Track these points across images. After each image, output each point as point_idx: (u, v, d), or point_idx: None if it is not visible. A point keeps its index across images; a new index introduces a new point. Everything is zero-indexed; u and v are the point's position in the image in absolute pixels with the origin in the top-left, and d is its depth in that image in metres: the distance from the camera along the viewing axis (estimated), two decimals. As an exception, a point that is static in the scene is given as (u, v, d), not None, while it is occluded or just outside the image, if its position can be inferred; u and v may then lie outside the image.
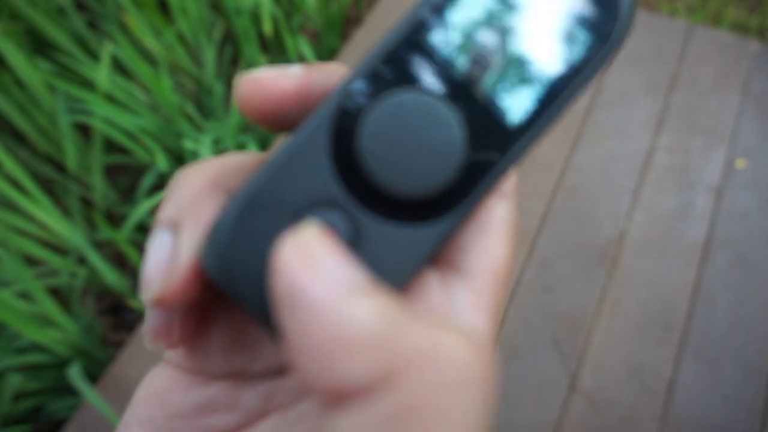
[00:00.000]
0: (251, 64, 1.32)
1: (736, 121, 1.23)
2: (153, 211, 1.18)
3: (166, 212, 0.15)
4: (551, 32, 0.15)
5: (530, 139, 0.15)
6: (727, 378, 0.98)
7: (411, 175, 0.15)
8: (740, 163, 1.19)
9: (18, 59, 1.07)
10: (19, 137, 1.23)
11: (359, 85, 0.15)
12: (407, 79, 0.15)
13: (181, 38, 1.27)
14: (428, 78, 0.15)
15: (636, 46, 1.32)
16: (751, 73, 1.29)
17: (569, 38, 0.15)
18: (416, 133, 0.15)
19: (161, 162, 1.16)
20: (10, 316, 0.86)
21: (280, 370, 0.17)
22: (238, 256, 0.14)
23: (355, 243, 0.15)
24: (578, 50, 0.15)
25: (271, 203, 0.14)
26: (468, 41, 0.15)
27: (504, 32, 0.15)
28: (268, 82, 0.15)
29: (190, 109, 1.26)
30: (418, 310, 0.12)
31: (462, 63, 0.15)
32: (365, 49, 1.34)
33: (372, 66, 0.15)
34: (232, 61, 1.42)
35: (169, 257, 0.14)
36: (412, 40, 0.15)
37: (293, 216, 0.14)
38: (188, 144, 1.16)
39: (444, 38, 0.15)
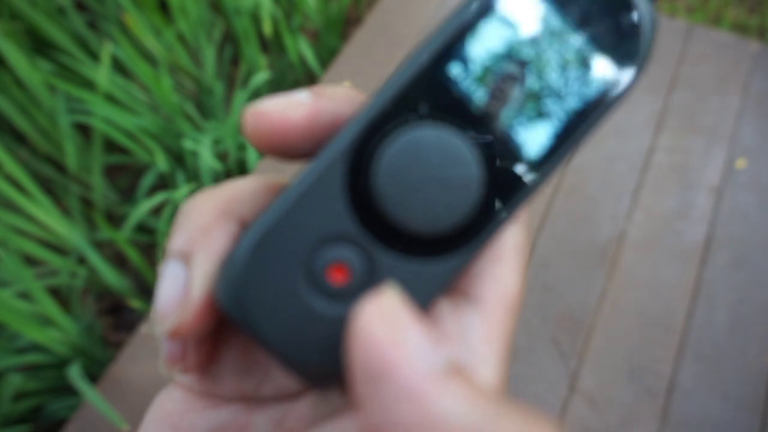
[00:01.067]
0: (251, 64, 1.32)
1: (736, 121, 1.23)
2: (153, 211, 1.18)
3: (177, 242, 0.15)
4: (570, 66, 0.15)
5: (547, 174, 0.15)
6: (727, 378, 0.98)
7: (426, 212, 0.14)
8: (740, 163, 1.19)
9: (18, 59, 1.07)
10: (19, 137, 1.23)
11: (375, 119, 0.15)
12: (424, 113, 0.15)
13: (181, 38, 1.27)
14: (445, 112, 0.15)
15: (636, 46, 1.32)
16: (751, 73, 1.29)
17: (588, 72, 0.15)
18: (432, 170, 0.14)
19: (161, 162, 1.16)
20: (10, 316, 0.86)
21: (291, 395, 0.17)
22: (253, 291, 0.14)
23: (370, 279, 0.15)
24: (598, 85, 0.15)
25: (286, 238, 0.14)
26: (486, 75, 0.15)
27: (523, 66, 0.14)
28: (276, 114, 0.15)
29: (190, 109, 1.26)
30: (504, 398, 0.12)
31: (480, 97, 0.15)
32: (365, 52, 1.35)
33: (388, 99, 0.15)
34: (232, 61, 1.42)
35: (181, 290, 0.14)
36: (430, 73, 0.15)
37: (308, 251, 0.14)
38: (188, 144, 1.16)
39: (462, 71, 0.15)
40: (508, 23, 0.14)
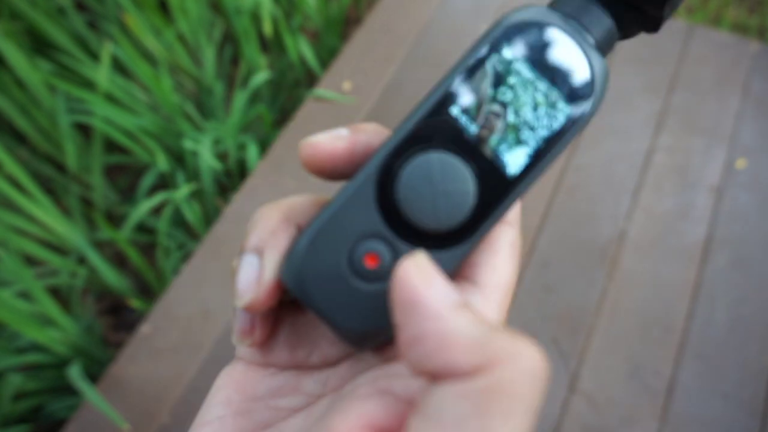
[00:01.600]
0: (251, 64, 1.32)
1: (736, 121, 1.23)
2: (153, 211, 1.18)
3: (252, 240, 0.20)
4: (540, 106, 0.20)
5: (524, 186, 0.20)
6: (727, 378, 0.98)
7: (435, 215, 0.19)
8: (740, 163, 1.19)
9: (18, 59, 1.07)
10: (19, 137, 1.23)
11: (396, 148, 0.20)
12: (433, 141, 0.20)
13: (181, 38, 1.27)
14: (449, 141, 0.20)
15: (636, 47, 1.32)
16: (751, 74, 1.29)
17: (554, 110, 0.20)
18: (438, 185, 0.19)
19: (161, 162, 1.16)
20: (10, 316, 0.86)
21: (334, 362, 0.21)
22: (309, 273, 0.19)
23: (394, 264, 0.19)
24: (561, 119, 0.20)
25: (333, 235, 0.19)
26: (478, 113, 0.19)
27: (504, 106, 0.19)
28: (324, 145, 0.20)
29: (190, 109, 1.26)
30: (496, 324, 0.16)
31: (473, 130, 0.20)
32: (365, 52, 1.34)
33: (405, 132, 0.20)
34: (232, 61, 1.42)
35: (256, 275, 0.19)
36: (437, 112, 0.20)
37: (349, 244, 0.19)
38: (188, 144, 1.16)
39: (460, 111, 0.20)
40: (493, 75, 0.20)
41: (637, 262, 1.08)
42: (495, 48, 0.20)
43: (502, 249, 0.20)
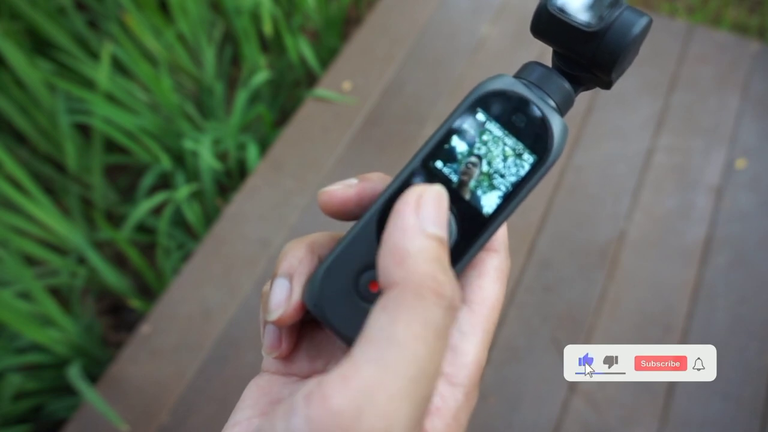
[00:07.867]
0: (251, 64, 1.32)
1: (736, 121, 1.23)
2: (153, 211, 1.18)
3: (283, 267, 0.24)
4: (509, 157, 0.24)
5: (499, 222, 0.24)
6: (727, 378, 0.98)
7: None
8: (740, 163, 1.19)
9: (18, 59, 1.07)
10: (19, 137, 1.23)
11: (393, 194, 0.24)
12: None
13: (181, 38, 1.27)
14: None
15: (636, 46, 1.32)
16: (751, 73, 1.29)
17: (520, 161, 0.24)
18: None
19: (165, 161, 1.16)
20: (10, 316, 0.86)
21: None
22: (325, 296, 0.23)
23: None
24: (525, 167, 0.24)
25: (343, 266, 0.24)
26: (458, 165, 0.24)
27: (479, 158, 0.24)
28: (338, 192, 0.24)
29: (190, 109, 1.26)
30: (445, 265, 0.20)
31: (454, 178, 0.24)
32: (365, 52, 1.34)
33: (400, 182, 0.24)
34: (232, 61, 1.42)
35: (286, 295, 0.23)
36: (424, 165, 0.24)
37: (356, 273, 0.24)
38: (188, 144, 1.16)
39: (443, 163, 0.24)
40: (470, 133, 0.24)
41: (637, 262, 1.08)
42: (471, 111, 0.24)
43: (488, 272, 0.24)
